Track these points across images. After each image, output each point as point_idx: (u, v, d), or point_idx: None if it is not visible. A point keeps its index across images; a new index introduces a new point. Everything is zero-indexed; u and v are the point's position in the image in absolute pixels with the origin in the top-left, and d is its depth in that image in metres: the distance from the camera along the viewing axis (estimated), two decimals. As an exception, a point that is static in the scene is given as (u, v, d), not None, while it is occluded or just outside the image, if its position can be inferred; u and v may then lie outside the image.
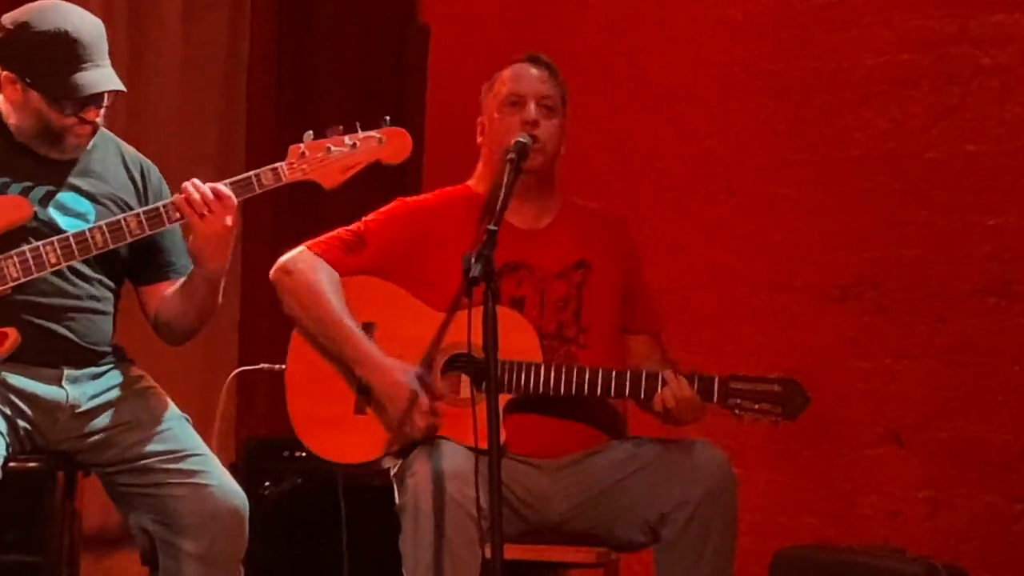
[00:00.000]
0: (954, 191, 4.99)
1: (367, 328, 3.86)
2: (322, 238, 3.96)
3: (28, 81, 3.61)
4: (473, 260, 3.38)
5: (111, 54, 3.69)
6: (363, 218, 4.00)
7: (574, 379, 3.74)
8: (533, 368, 3.74)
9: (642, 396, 3.75)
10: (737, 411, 3.72)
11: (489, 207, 3.77)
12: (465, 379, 3.81)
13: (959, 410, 4.95)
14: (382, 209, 4.02)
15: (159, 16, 5.85)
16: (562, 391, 3.74)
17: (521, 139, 3.79)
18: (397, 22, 6.31)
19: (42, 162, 3.70)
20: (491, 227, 3.46)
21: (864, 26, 5.17)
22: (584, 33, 5.75)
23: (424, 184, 6.01)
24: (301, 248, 3.95)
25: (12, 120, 3.69)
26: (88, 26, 3.64)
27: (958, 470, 4.94)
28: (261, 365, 4.10)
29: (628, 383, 3.74)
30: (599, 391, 3.75)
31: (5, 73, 3.64)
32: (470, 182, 4.03)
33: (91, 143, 3.75)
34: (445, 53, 6.22)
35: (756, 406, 3.70)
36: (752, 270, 5.36)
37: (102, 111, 3.69)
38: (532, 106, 3.88)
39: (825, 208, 5.23)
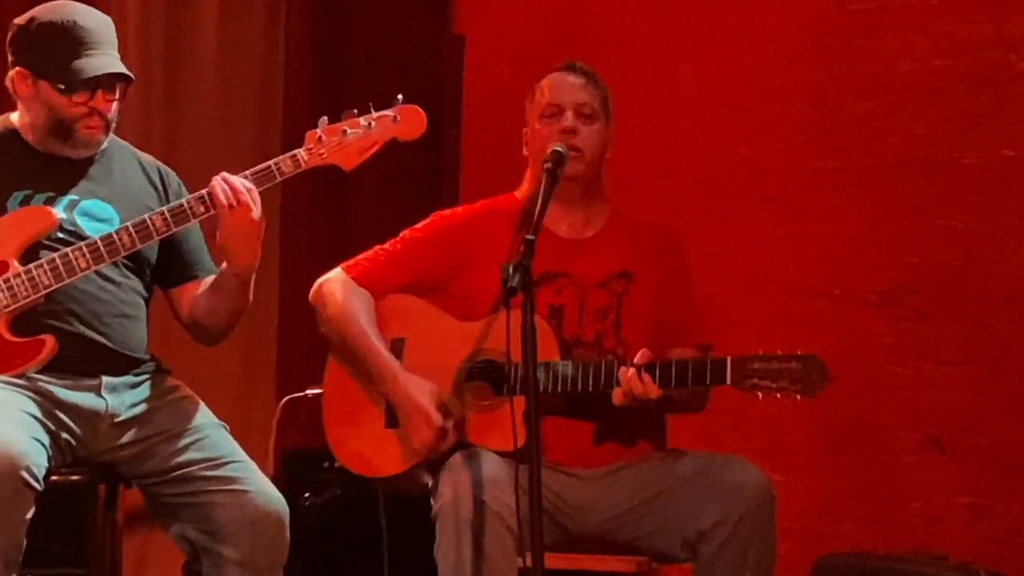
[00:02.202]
0: (991, 196, 4.97)
1: (398, 343, 3.88)
2: (359, 258, 3.98)
3: (35, 72, 3.69)
4: (511, 270, 3.36)
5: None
6: (400, 234, 4.01)
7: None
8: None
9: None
10: (754, 391, 3.57)
11: (527, 216, 3.74)
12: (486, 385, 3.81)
13: (999, 415, 4.92)
14: (419, 225, 4.02)
15: (195, 23, 5.88)
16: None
17: (557, 148, 3.78)
18: (432, 32, 6.33)
19: (63, 167, 3.74)
20: (528, 237, 3.44)
21: (900, 32, 5.15)
22: (619, 41, 5.75)
23: (461, 192, 6.02)
24: (337, 270, 3.97)
25: (27, 121, 3.75)
26: (95, 18, 3.74)
27: (999, 476, 4.91)
28: (307, 392, 4.13)
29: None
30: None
31: (17, 70, 3.72)
32: (516, 192, 4.03)
33: (106, 149, 3.80)
34: (480, 63, 6.23)
35: (774, 384, 3.55)
36: (790, 276, 5.35)
37: (114, 104, 3.74)
38: (570, 115, 3.88)
39: (863, 214, 5.21)
